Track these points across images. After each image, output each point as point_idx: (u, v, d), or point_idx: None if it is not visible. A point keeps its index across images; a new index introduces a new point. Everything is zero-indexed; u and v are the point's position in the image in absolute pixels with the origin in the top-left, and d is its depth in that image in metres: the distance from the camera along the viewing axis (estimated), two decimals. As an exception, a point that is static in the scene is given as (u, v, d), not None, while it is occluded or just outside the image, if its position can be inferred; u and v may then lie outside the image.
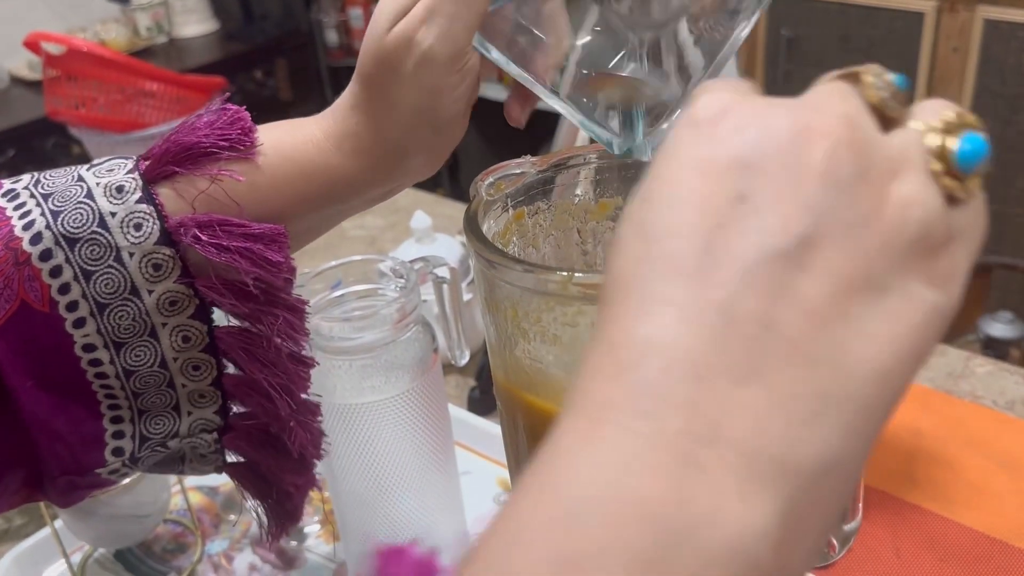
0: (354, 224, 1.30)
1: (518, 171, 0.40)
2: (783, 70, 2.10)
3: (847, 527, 0.36)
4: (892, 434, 0.80)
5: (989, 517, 0.71)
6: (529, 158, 0.41)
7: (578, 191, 0.42)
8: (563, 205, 0.42)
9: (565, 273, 0.32)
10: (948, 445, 0.78)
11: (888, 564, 0.68)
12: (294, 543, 0.74)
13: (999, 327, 1.59)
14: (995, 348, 1.55)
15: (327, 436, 0.58)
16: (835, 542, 0.37)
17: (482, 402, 0.89)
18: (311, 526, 0.75)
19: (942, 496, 0.73)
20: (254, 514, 0.52)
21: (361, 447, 0.60)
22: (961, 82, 1.86)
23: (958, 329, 1.77)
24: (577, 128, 0.74)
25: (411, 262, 0.62)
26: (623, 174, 0.42)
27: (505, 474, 0.79)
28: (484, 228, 0.37)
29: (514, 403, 0.38)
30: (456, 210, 1.27)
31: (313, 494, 0.77)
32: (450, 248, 0.92)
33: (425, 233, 0.92)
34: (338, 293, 0.62)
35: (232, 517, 0.78)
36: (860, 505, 0.35)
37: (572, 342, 0.34)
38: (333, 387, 0.58)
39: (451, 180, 3.30)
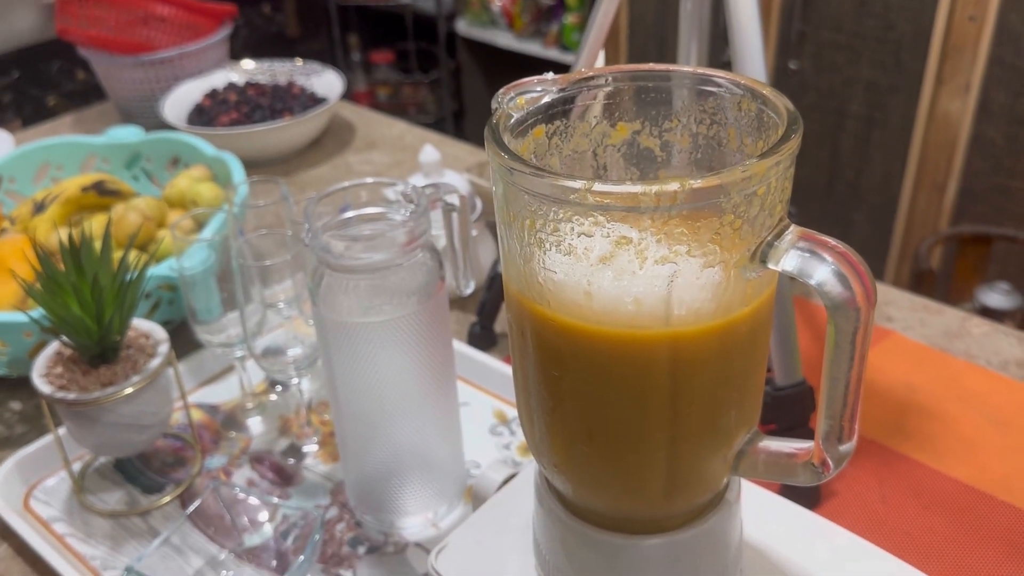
0: (360, 159, 1.30)
1: (539, 89, 0.41)
2: (797, 30, 2.09)
3: (843, 447, 0.37)
4: (885, 387, 0.81)
5: (976, 470, 0.72)
6: (551, 75, 0.41)
7: (597, 112, 0.42)
8: (581, 127, 0.43)
9: (585, 181, 0.32)
10: (941, 400, 0.79)
11: (874, 510, 0.70)
12: (292, 461, 0.75)
13: (996, 297, 1.60)
14: (991, 318, 1.56)
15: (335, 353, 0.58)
16: (830, 461, 0.38)
17: (482, 337, 0.90)
18: (309, 446, 0.76)
19: (931, 448, 0.74)
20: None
21: (365, 367, 0.61)
22: (975, 52, 1.85)
23: (956, 298, 1.78)
24: (598, 51, 0.73)
25: (423, 187, 0.62)
26: (641, 98, 0.42)
27: (502, 406, 0.80)
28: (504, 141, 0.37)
29: (524, 314, 0.38)
30: (462, 150, 1.26)
31: (313, 416, 0.79)
32: (458, 183, 0.92)
33: (433, 167, 0.92)
34: (348, 215, 0.62)
35: (232, 434, 0.79)
36: (856, 426, 0.36)
37: (586, 252, 0.35)
38: (341, 305, 0.59)
39: (456, 127, 3.28)
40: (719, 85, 0.41)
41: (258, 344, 0.72)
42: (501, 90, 0.40)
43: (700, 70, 0.42)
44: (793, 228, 0.35)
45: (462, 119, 3.27)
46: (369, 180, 0.62)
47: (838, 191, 2.19)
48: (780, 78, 2.14)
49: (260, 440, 0.78)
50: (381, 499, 0.67)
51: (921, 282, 1.72)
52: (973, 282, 1.72)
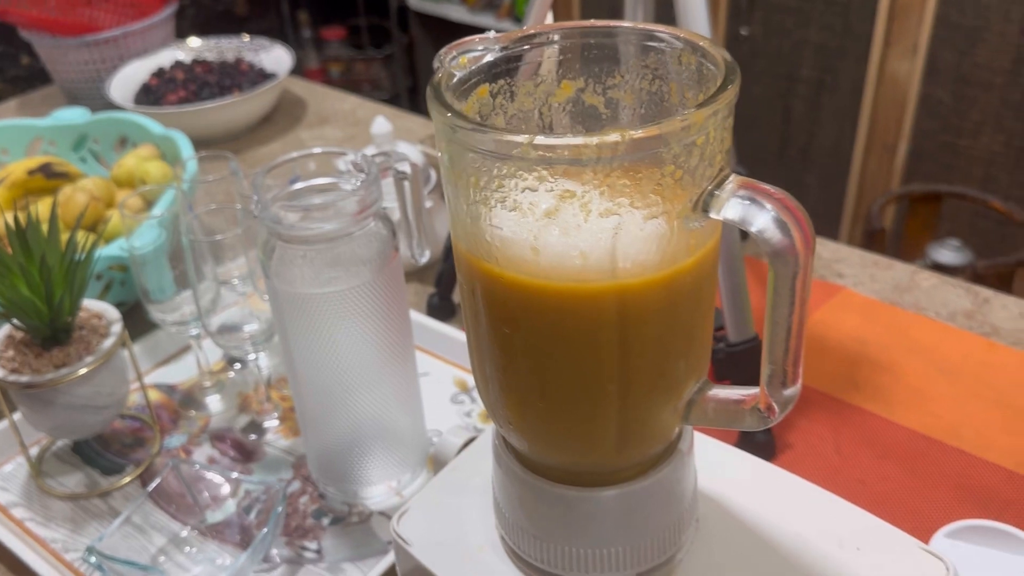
0: (312, 135, 1.29)
1: (481, 48, 0.41)
2: (746, -4, 2.10)
3: (787, 391, 0.38)
4: (837, 342, 0.82)
5: (926, 418, 0.74)
6: (493, 34, 0.41)
7: (541, 70, 0.42)
8: (525, 86, 0.43)
9: (527, 136, 0.33)
10: (891, 352, 0.81)
11: (829, 460, 0.71)
12: (253, 437, 0.75)
13: (946, 254, 1.63)
14: (943, 274, 1.59)
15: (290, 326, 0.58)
16: (775, 405, 0.38)
17: (441, 308, 0.90)
18: (270, 422, 0.76)
19: (882, 399, 0.76)
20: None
21: (321, 339, 0.61)
22: (921, 12, 1.87)
23: (908, 256, 1.81)
24: (546, 12, 0.73)
25: (372, 156, 0.62)
26: (585, 55, 0.42)
27: (462, 375, 0.80)
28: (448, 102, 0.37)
29: (474, 273, 0.39)
30: (416, 123, 1.26)
31: (272, 392, 0.79)
32: (411, 154, 0.92)
33: (385, 139, 0.92)
34: (298, 187, 0.62)
35: (192, 413, 0.78)
36: (800, 371, 0.37)
37: (531, 208, 0.35)
38: (294, 277, 0.59)
39: (411, 102, 3.26)
40: (660, 40, 0.41)
41: (213, 322, 0.72)
42: (443, 49, 0.40)
43: (641, 25, 0.42)
44: (734, 177, 0.35)
45: (416, 94, 3.25)
46: (318, 150, 0.62)
47: (790, 155, 2.21)
48: (732, 44, 2.16)
49: (220, 418, 0.78)
50: (343, 470, 0.68)
51: (873, 241, 1.75)
52: (924, 239, 1.75)
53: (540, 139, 0.32)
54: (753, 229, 0.34)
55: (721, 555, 0.47)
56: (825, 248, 0.95)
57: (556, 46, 0.42)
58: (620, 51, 0.43)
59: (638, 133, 0.32)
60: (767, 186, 0.35)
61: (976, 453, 0.70)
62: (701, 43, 0.39)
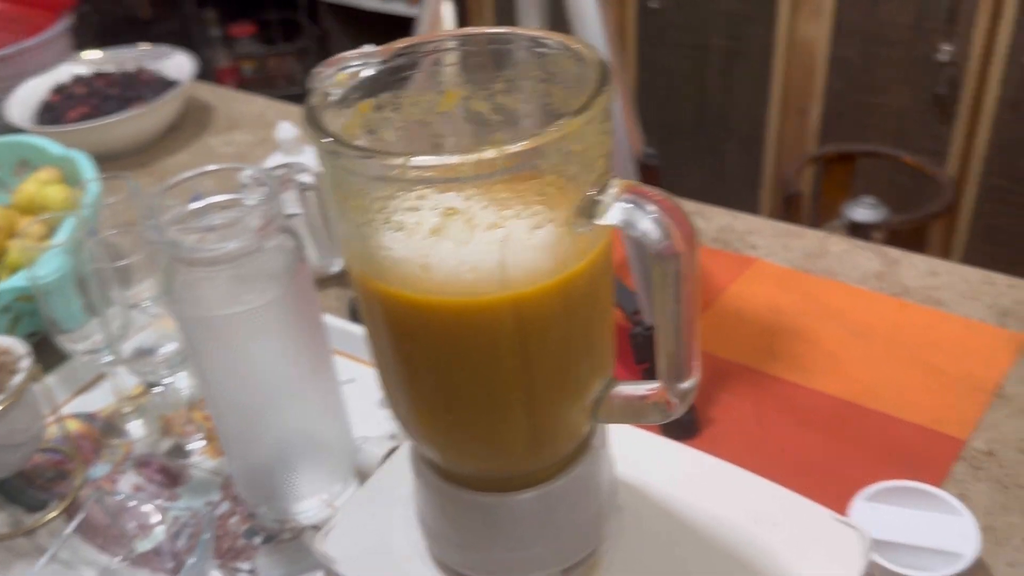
0: (222, 141, 1.26)
1: (359, 63, 0.40)
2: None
3: (683, 385, 0.38)
4: (753, 313, 0.84)
5: (844, 383, 0.76)
6: (370, 47, 0.41)
7: (425, 81, 0.42)
8: (411, 97, 0.43)
9: (403, 157, 0.32)
10: (805, 319, 0.83)
11: (751, 433, 0.73)
12: (179, 460, 0.74)
13: (862, 211, 1.66)
14: (859, 232, 1.63)
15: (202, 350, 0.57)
16: (674, 400, 0.39)
17: (362, 311, 0.90)
18: (194, 443, 0.75)
19: (800, 367, 0.78)
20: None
21: (236, 359, 0.60)
22: (824, -27, 1.91)
23: (824, 215, 1.85)
24: (437, 20, 0.73)
25: (272, 168, 0.61)
26: (468, 62, 0.42)
27: (388, 378, 0.80)
28: (330, 124, 0.37)
29: (370, 293, 0.39)
30: (328, 122, 1.24)
31: (194, 413, 0.78)
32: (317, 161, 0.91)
33: (292, 144, 0.91)
34: (198, 205, 0.61)
35: (114, 441, 0.77)
36: (695, 364, 0.38)
37: (417, 227, 0.35)
38: (200, 300, 0.58)
39: (329, 96, 3.21)
40: (543, 45, 0.41)
41: (126, 348, 0.70)
42: (317, 68, 0.40)
43: (523, 31, 0.42)
44: (616, 182, 0.36)
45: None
46: (212, 167, 0.60)
47: (708, 125, 2.24)
48: (643, 18, 2.17)
49: (143, 443, 0.76)
50: (272, 488, 0.67)
51: (792, 205, 1.78)
52: (840, 199, 1.79)
53: (416, 160, 0.32)
54: (635, 233, 0.35)
55: (642, 543, 0.48)
56: (738, 221, 0.96)
57: (441, 55, 0.42)
58: (503, 57, 0.43)
59: (514, 148, 0.32)
60: (648, 188, 0.35)
61: (894, 413, 0.72)
62: (575, 46, 0.39)
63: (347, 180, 0.35)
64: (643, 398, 0.41)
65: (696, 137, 2.27)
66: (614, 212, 0.35)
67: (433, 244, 0.35)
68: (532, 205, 0.35)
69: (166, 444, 0.76)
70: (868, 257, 0.90)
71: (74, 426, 0.79)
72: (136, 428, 0.78)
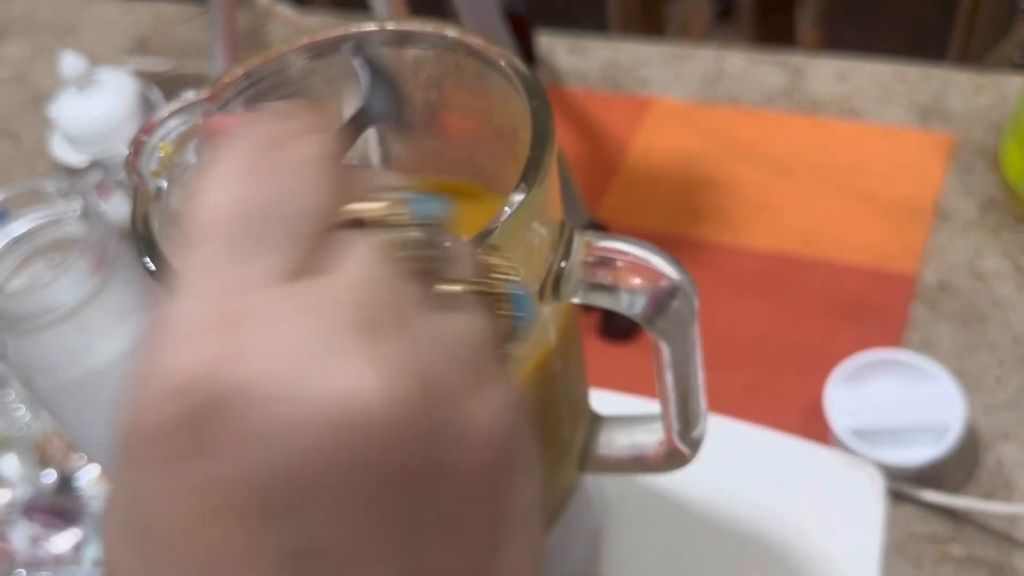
0: None
1: (183, 118, 0.28)
2: None
3: (694, 433, 0.32)
4: (664, 168, 0.76)
5: (777, 233, 0.70)
6: (191, 93, 0.29)
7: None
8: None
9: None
10: (720, 164, 0.76)
11: (696, 315, 0.67)
12: (70, 496, 0.65)
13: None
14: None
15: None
16: (686, 449, 0.32)
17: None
18: (83, 471, 0.65)
19: (727, 224, 0.72)
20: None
21: (108, 409, 0.50)
22: None
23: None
24: (236, 50, 0.57)
25: (82, 172, 0.48)
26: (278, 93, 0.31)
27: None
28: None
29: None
30: (117, 6, 1.05)
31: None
32: (122, 91, 0.73)
33: (83, 79, 0.72)
34: (15, 233, 0.48)
35: (-12, 488, 0.66)
36: (703, 411, 0.31)
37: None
38: (46, 365, 0.47)
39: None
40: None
41: (-32, 399, 0.59)
42: (130, 145, 0.28)
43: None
44: (579, 242, 0.27)
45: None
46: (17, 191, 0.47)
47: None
48: None
49: (24, 485, 0.66)
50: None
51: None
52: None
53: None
54: (622, 311, 0.26)
55: (641, 542, 0.43)
56: (622, 54, 0.86)
57: (254, 91, 0.30)
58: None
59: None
60: (620, 245, 0.26)
61: (837, 259, 0.67)
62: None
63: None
64: (646, 451, 0.34)
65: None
66: (589, 293, 0.26)
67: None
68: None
69: (49, 478, 0.66)
70: (770, 71, 0.82)
71: (-64, 479, 0.67)
72: (11, 467, 0.67)
